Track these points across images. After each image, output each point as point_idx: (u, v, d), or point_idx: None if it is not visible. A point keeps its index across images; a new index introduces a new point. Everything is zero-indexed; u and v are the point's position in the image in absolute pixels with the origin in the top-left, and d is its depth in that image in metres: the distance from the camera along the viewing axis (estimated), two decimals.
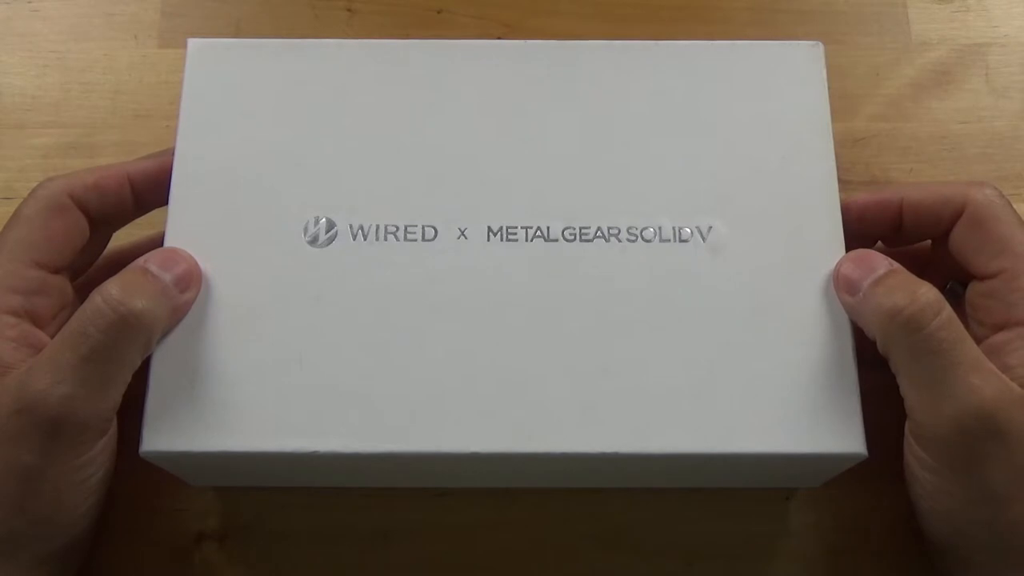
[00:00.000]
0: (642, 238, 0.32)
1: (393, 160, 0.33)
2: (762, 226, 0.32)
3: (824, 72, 0.34)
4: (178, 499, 0.35)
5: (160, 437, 0.29)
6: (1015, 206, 0.31)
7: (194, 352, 0.30)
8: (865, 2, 0.43)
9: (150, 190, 0.33)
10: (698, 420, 0.30)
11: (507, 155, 0.33)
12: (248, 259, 0.31)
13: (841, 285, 0.31)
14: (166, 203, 0.32)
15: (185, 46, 0.34)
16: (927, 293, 0.29)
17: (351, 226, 0.32)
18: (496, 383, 0.30)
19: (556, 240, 0.32)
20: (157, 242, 0.32)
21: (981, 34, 0.42)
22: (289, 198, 0.32)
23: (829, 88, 0.34)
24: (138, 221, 0.34)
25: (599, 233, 0.32)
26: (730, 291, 0.31)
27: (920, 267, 0.33)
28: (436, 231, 0.32)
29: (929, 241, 0.34)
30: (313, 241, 0.32)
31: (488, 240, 0.32)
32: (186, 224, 0.32)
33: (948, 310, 0.29)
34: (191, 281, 0.30)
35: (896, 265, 0.30)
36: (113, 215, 0.33)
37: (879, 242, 0.34)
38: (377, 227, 0.32)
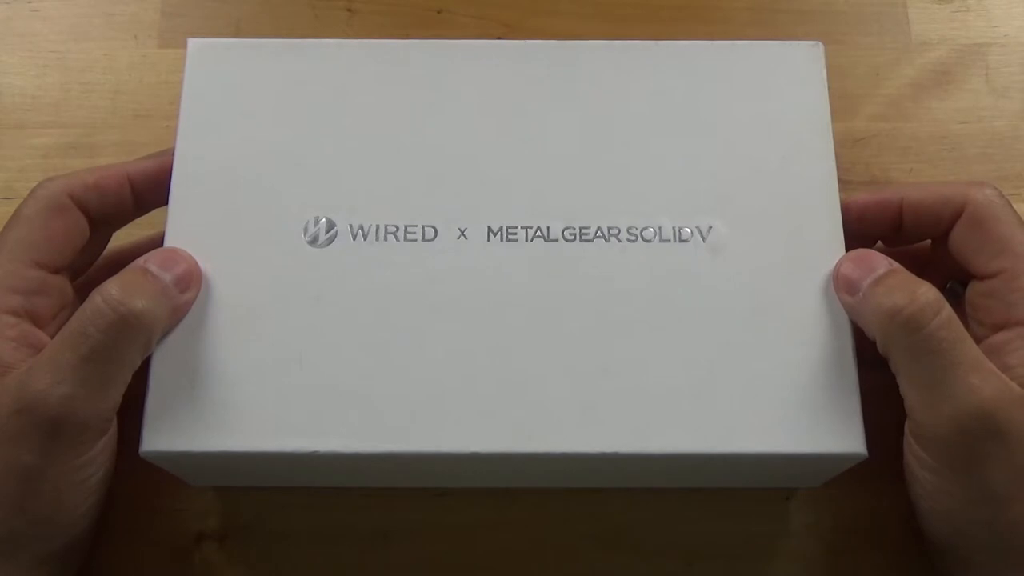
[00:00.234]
0: (642, 238, 0.32)
1: (393, 160, 0.33)
2: (762, 226, 0.32)
3: (824, 72, 0.34)
4: (178, 499, 0.35)
5: (160, 437, 0.29)
6: (1015, 206, 0.31)
7: (194, 352, 0.30)
8: (865, 2, 0.43)
9: (150, 190, 0.33)
10: (698, 420, 0.30)
11: (507, 155, 0.33)
12: (248, 259, 0.31)
13: (841, 285, 0.31)
14: (166, 203, 0.32)
15: (185, 46, 0.34)
16: (927, 293, 0.29)
17: (351, 226, 0.32)
18: (496, 383, 0.30)
19: (556, 240, 0.32)
20: (157, 242, 0.32)
21: (981, 34, 0.42)
22: (289, 198, 0.32)
23: (829, 88, 0.34)
24: (138, 221, 0.34)
25: (599, 233, 0.32)
26: (730, 291, 0.31)
27: (920, 267, 0.33)
28: (436, 231, 0.32)
29: (929, 241, 0.34)
30: (313, 241, 0.32)
31: (488, 240, 0.32)
32: (186, 224, 0.32)
33: (948, 310, 0.29)
34: (191, 281, 0.30)
35: (896, 265, 0.30)
36: (113, 215, 0.33)
37: (879, 242, 0.34)
38: (377, 227, 0.32)
